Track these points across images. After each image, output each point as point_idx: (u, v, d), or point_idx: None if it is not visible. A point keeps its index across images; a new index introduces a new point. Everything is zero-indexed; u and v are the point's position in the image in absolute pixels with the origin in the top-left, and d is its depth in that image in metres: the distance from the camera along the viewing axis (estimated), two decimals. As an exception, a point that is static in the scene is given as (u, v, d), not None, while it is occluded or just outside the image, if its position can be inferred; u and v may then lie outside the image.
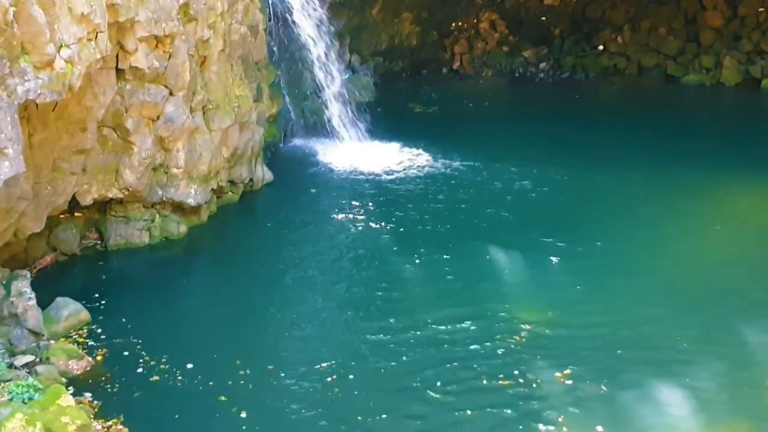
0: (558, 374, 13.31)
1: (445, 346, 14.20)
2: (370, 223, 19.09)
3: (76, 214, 17.37)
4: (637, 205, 19.93)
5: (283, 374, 13.45)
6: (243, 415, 12.48)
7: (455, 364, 13.74)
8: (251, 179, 20.74)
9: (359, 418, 12.47)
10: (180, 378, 13.27)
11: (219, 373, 13.39)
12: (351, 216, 19.51)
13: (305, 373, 13.51)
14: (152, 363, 13.60)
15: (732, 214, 19.29)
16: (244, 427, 12.25)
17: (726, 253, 17.39)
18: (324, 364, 13.67)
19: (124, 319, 14.80)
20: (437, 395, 13.01)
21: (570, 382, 13.16)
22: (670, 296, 15.62)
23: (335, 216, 19.58)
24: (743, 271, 16.57)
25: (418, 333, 14.57)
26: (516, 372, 13.41)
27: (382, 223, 19.06)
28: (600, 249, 17.58)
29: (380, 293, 16.02)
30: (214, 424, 12.37)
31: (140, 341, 14.15)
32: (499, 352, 14.00)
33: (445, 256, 17.34)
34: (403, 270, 16.92)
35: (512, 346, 14.12)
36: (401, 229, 18.81)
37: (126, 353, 13.90)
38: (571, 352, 13.91)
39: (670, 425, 12.18)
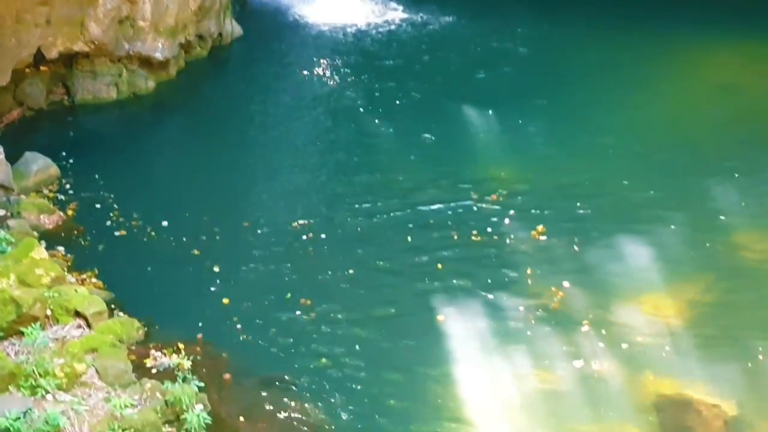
0: (529, 231, 13.50)
1: (419, 206, 14.26)
2: (344, 81, 18.79)
3: (42, 68, 16.91)
4: (619, 66, 19.57)
5: (258, 231, 13.53)
6: (216, 269, 12.61)
7: (430, 221, 13.89)
8: (220, 34, 20.20)
9: (329, 272, 12.65)
10: (153, 233, 13.30)
11: (192, 228, 13.43)
12: (324, 73, 19.18)
13: (279, 230, 13.59)
14: (124, 218, 13.57)
15: (702, 74, 19.15)
16: (217, 281, 12.40)
17: (694, 112, 17.42)
18: (298, 223, 13.72)
19: (96, 175, 14.63)
20: (408, 251, 13.20)
21: (543, 238, 13.37)
22: (640, 156, 15.73)
23: (307, 72, 19.22)
24: (711, 129, 16.64)
25: (392, 192, 14.60)
26: (489, 229, 13.59)
27: (357, 82, 18.75)
28: (574, 111, 17.48)
29: (355, 153, 15.96)
30: (186, 277, 12.50)
31: (111, 196, 14.07)
32: (474, 209, 14.14)
33: (420, 117, 17.20)
34: (378, 130, 16.79)
35: (485, 204, 14.24)
36: (376, 85, 18.56)
37: (98, 207, 13.85)
38: (543, 210, 14.06)
39: (634, 279, 12.46)
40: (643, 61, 19.57)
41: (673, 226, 13.57)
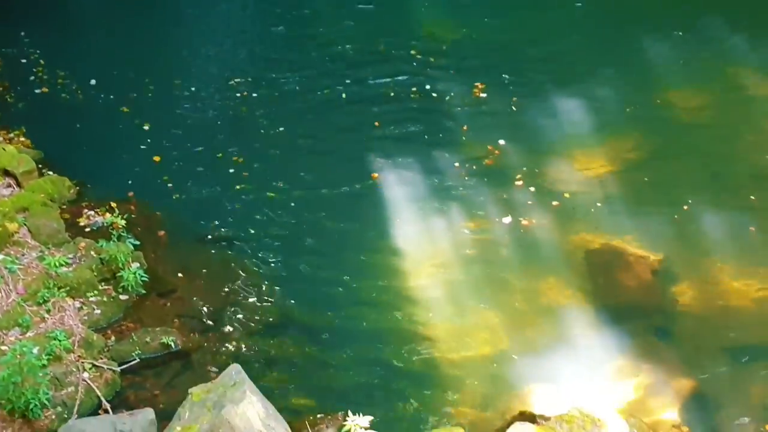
0: (468, 89, 13.43)
1: (357, 67, 14.02)
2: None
3: None
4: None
5: (192, 89, 13.27)
6: (146, 127, 12.38)
7: (369, 82, 13.72)
8: None
9: (262, 131, 12.53)
10: (81, 91, 12.93)
11: (121, 87, 13.07)
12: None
13: (213, 90, 13.33)
14: (50, 76, 13.13)
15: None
16: (148, 140, 12.19)
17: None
18: (233, 81, 13.46)
19: (21, 32, 14.03)
20: (345, 108, 13.09)
21: (482, 95, 13.32)
22: (579, 20, 15.47)
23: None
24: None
25: (329, 56, 14.29)
26: (427, 87, 13.50)
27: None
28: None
29: (292, 24, 15.44)
30: (116, 134, 12.26)
31: (38, 52, 13.55)
32: (413, 64, 14.00)
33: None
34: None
35: (424, 64, 14.07)
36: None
37: (23, 62, 13.37)
38: (482, 68, 13.94)
39: (568, 136, 12.57)
40: None
41: (608, 83, 13.59)
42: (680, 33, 14.87)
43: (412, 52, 14.33)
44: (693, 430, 8.72)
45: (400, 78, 13.75)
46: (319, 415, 8.78)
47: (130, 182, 11.40)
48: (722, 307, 9.97)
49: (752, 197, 11.33)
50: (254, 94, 13.24)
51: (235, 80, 13.48)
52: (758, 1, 15.63)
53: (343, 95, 13.33)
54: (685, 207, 11.27)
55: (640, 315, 9.97)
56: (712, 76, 13.73)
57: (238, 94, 13.20)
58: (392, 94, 13.37)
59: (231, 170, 11.80)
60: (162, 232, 10.81)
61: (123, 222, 10.29)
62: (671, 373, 9.22)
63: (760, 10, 15.34)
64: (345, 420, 7.92)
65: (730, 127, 12.65)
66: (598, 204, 11.43)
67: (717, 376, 9.25)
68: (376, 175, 11.84)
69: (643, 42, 14.56)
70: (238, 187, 11.56)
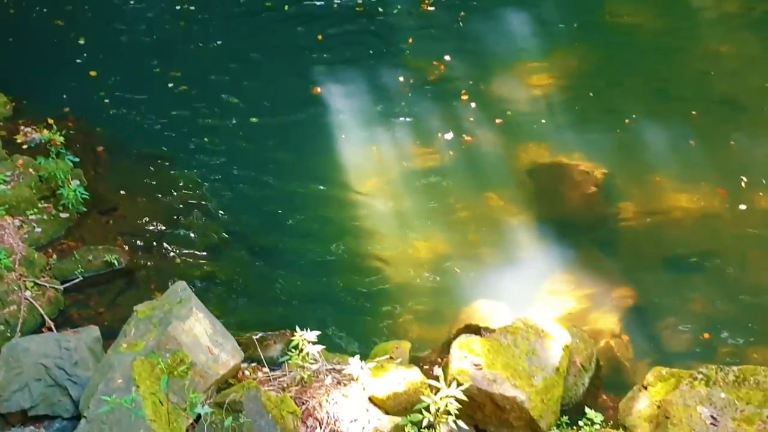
0: (414, 3, 13.24)
1: None
2: None
3: None
4: None
5: (130, 2, 12.89)
6: (81, 41, 12.08)
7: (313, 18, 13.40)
8: None
9: (201, 44, 12.31)
10: (13, 4, 12.55)
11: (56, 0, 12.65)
12: None
13: (151, 3, 12.92)
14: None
15: None
16: (84, 55, 11.90)
17: None
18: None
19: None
20: (287, 22, 12.88)
21: (431, 9, 13.17)
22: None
23: None
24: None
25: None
26: (372, 0, 13.24)
27: None
28: None
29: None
30: (50, 49, 11.94)
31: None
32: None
33: None
34: None
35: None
36: None
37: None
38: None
39: (514, 51, 12.49)
40: None
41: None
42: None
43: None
44: (633, 338, 8.92)
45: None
46: (267, 332, 8.80)
47: (65, 98, 11.14)
48: (663, 219, 10.10)
49: (693, 112, 11.42)
50: (192, 7, 12.89)
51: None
52: None
53: (286, 6, 13.06)
54: (628, 121, 11.31)
55: (583, 229, 10.09)
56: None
57: (178, 7, 12.84)
58: (335, 6, 13.11)
59: (170, 85, 11.57)
60: (101, 148, 10.60)
61: (61, 139, 10.06)
62: (613, 285, 9.39)
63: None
64: (293, 335, 7.97)
65: (677, 45, 12.64)
66: (543, 120, 11.44)
67: (657, 286, 9.43)
68: (318, 89, 11.67)
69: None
70: (179, 104, 11.34)
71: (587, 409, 8.06)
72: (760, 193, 10.24)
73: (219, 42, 12.33)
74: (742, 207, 10.14)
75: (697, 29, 13.00)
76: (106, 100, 11.22)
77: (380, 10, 13.13)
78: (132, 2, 12.89)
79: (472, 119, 11.41)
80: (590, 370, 8.51)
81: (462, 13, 13.09)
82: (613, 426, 7.96)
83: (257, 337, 8.55)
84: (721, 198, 10.26)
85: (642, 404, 7.98)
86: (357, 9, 13.12)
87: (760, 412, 7.32)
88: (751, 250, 9.72)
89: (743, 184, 10.37)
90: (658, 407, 7.75)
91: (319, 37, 12.55)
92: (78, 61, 11.72)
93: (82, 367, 7.61)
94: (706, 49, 12.53)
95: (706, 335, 8.94)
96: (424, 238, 10.02)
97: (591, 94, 11.81)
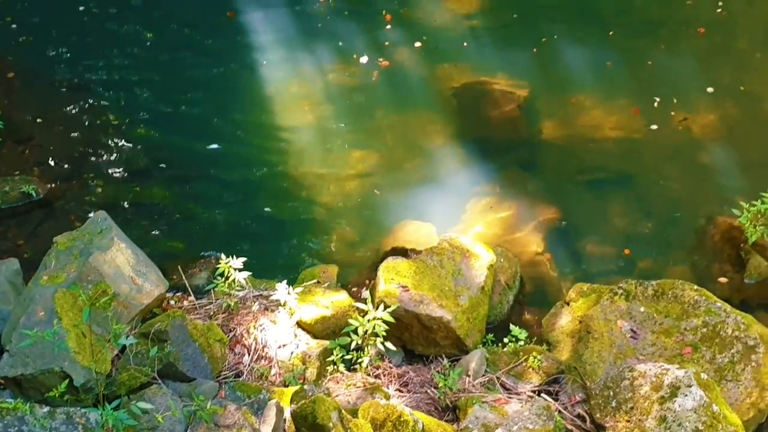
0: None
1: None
2: None
3: None
4: None
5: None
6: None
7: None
8: None
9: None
10: None
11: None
12: None
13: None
14: None
15: None
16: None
17: None
18: None
19: None
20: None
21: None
22: None
23: None
24: None
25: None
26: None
27: None
28: None
29: None
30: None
31: None
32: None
33: None
34: None
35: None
36: None
37: None
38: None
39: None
40: None
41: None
42: None
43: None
44: (555, 256, 9.09)
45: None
46: (192, 260, 8.74)
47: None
48: (582, 139, 10.21)
49: (611, 33, 11.46)
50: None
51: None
52: None
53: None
54: (545, 40, 11.27)
55: (506, 149, 10.15)
56: None
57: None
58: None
59: (80, 8, 11.14)
60: (11, 74, 10.22)
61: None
62: (536, 205, 9.51)
63: None
64: (219, 263, 7.93)
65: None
66: (466, 41, 11.37)
67: (579, 205, 9.59)
68: (231, 13, 11.42)
69: None
70: (89, 28, 10.98)
71: (512, 326, 8.25)
72: (672, 113, 10.39)
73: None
74: (654, 127, 10.30)
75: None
76: (13, 26, 10.79)
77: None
78: None
79: (394, 41, 11.30)
80: (514, 288, 8.68)
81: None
82: (537, 342, 8.16)
83: (182, 264, 8.48)
84: (636, 117, 10.40)
85: (564, 320, 8.19)
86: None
87: (678, 325, 7.57)
88: (664, 168, 9.88)
89: (656, 104, 10.52)
90: (580, 322, 7.96)
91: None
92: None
93: (3, 300, 7.48)
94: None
95: (627, 251, 9.15)
96: (347, 160, 9.99)
97: (509, 12, 11.72)
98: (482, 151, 10.06)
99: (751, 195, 8.75)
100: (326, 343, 7.75)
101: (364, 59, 10.99)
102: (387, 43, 11.25)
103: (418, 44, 11.25)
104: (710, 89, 10.60)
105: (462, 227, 9.25)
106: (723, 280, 8.75)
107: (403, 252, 8.58)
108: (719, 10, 11.62)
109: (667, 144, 10.12)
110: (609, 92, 10.68)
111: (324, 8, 11.63)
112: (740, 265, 8.81)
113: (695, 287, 7.76)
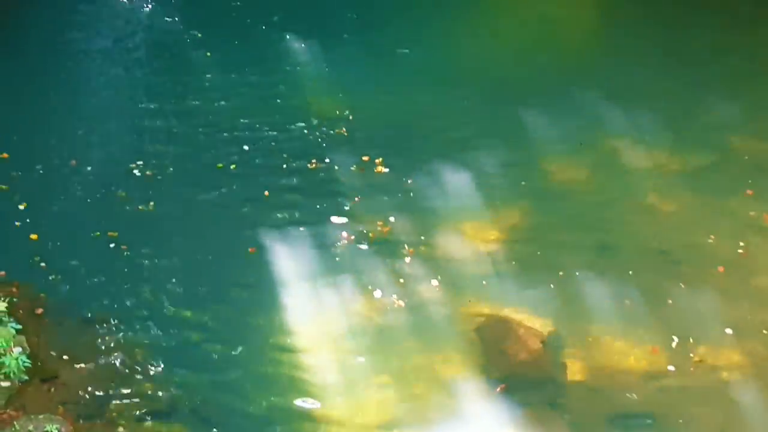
0: (356, 163, 13.52)
1: (246, 133, 14.11)
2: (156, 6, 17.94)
3: None
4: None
5: (85, 169, 13.03)
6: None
7: (256, 150, 13.74)
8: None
9: (140, 207, 12.35)
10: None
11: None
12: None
13: (100, 170, 13.12)
14: None
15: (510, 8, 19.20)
16: (27, 220, 11.90)
17: (510, 44, 17.56)
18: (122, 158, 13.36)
19: None
20: (237, 173, 13.17)
21: (384, 170, 13.45)
22: (459, 89, 15.74)
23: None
24: (520, 62, 16.83)
25: (222, 126, 14.29)
26: (314, 159, 13.56)
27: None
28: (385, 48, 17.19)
29: (175, 81, 15.46)
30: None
31: None
32: (299, 141, 14.06)
33: (240, 45, 16.78)
34: (197, 56, 16.25)
35: (312, 136, 14.19)
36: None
37: None
38: (370, 142, 14.06)
39: (457, 209, 12.76)
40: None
41: (491, 156, 13.82)
42: (544, 105, 15.12)
43: (299, 124, 14.44)
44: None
45: (292, 150, 13.78)
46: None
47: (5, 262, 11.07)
48: (607, 377, 10.23)
49: (630, 272, 11.72)
50: (137, 172, 13.06)
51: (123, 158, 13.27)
52: (631, 75, 16.27)
53: (232, 167, 13.33)
54: (561, 273, 11.57)
55: (530, 386, 10.10)
56: (592, 148, 14.18)
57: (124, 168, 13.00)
58: (285, 166, 13.41)
59: (111, 245, 11.59)
60: (40, 310, 10.48)
61: (4, 305, 9.94)
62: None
63: (634, 84, 15.99)
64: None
65: (612, 200, 13.14)
66: (488, 276, 11.58)
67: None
68: (253, 249, 11.81)
69: (516, 115, 14.82)
70: (115, 262, 11.38)
71: None
72: (690, 354, 10.52)
73: (160, 205, 12.44)
74: (671, 368, 10.39)
75: (632, 186, 13.46)
76: (42, 264, 11.18)
77: (325, 168, 13.41)
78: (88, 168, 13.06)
79: (416, 276, 11.52)
80: None
81: (405, 172, 13.36)
82: None
83: None
84: (656, 356, 10.49)
85: None
86: (310, 166, 13.41)
87: None
88: (687, 410, 9.88)
89: (674, 344, 10.66)
90: None
91: (266, 193, 12.77)
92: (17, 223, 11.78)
93: None
94: (641, 208, 12.97)
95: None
96: (370, 395, 9.95)
97: (530, 248, 12.03)
98: (507, 387, 10.01)
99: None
100: None
101: (389, 292, 11.23)
102: (407, 279, 11.50)
103: (440, 279, 11.46)
104: (729, 330, 10.82)
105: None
106: None
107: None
108: (740, 251, 11.98)
109: (692, 385, 10.16)
110: (630, 330, 10.80)
111: (348, 245, 11.98)
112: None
113: None
